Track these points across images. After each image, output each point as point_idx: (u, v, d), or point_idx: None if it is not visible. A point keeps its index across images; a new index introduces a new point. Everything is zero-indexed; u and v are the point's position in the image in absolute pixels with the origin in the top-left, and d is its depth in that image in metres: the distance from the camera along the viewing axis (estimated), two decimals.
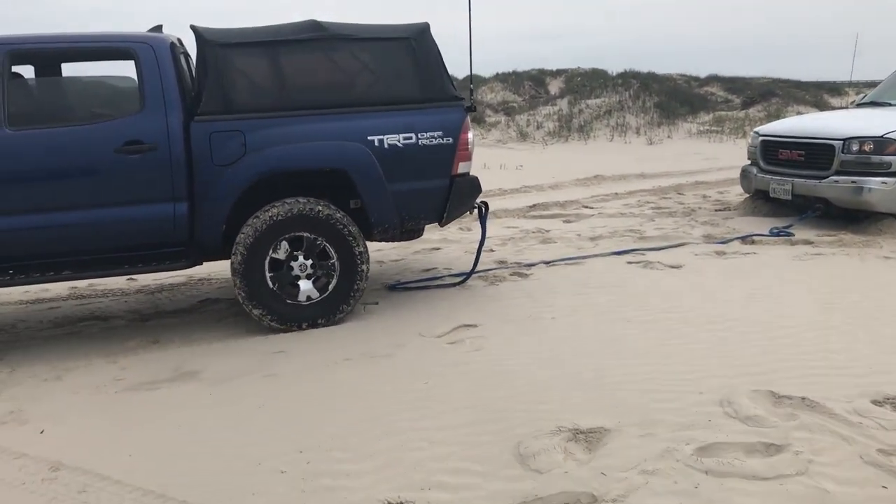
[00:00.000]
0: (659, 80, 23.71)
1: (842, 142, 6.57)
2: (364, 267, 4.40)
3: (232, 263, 4.28)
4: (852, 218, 6.60)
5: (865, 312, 4.17)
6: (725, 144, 15.99)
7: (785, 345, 3.66)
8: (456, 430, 2.90)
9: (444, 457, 2.69)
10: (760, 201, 7.55)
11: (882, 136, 6.37)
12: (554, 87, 33.77)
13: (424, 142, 4.48)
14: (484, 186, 10.34)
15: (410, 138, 4.45)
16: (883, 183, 6.29)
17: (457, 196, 4.63)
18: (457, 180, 4.61)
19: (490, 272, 5.47)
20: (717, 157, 13.72)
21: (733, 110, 21.08)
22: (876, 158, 6.35)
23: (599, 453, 2.63)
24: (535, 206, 8.47)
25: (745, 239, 6.26)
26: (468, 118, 4.64)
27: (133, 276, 5.94)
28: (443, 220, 4.67)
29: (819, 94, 21.67)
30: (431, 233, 7.15)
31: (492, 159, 14.54)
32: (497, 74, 35.84)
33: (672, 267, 5.43)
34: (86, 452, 2.96)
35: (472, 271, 5.30)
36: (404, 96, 4.53)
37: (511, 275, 5.38)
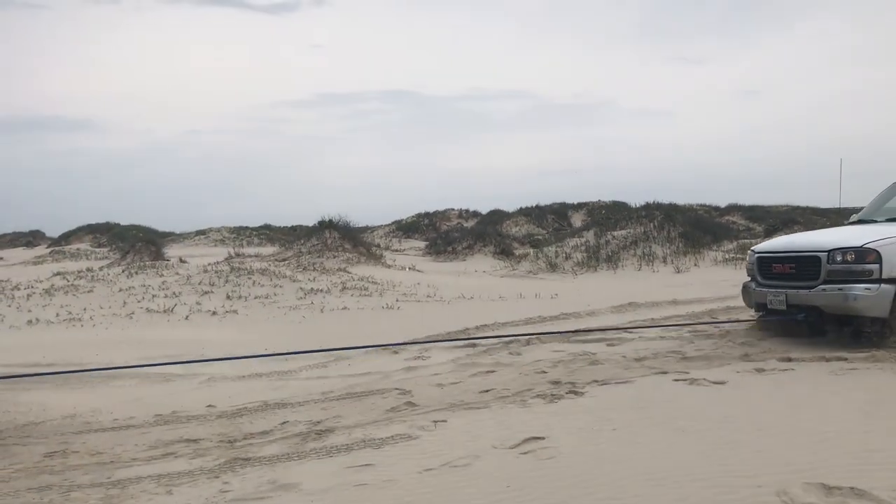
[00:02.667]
0: (681, 210, 24.57)
1: (827, 253, 7.15)
2: None
3: None
4: (882, 336, 6.98)
5: None
6: None
7: (829, 446, 4.04)
8: None
9: None
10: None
11: (861, 247, 6.99)
12: (576, 219, 34.90)
13: None
14: (523, 314, 10.96)
15: None
16: (867, 289, 6.82)
17: None
18: None
19: (548, 391, 5.90)
20: None
21: (756, 237, 21.73)
22: (858, 267, 6.92)
23: None
24: (576, 331, 8.94)
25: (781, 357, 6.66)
26: None
27: (213, 403, 6.42)
28: None
29: (839, 220, 22.32)
30: (484, 356, 7.62)
31: (526, 289, 15.14)
32: (520, 209, 37.15)
33: (716, 383, 5.83)
34: None
35: None
36: None
37: (567, 393, 5.80)
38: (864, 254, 6.93)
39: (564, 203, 37.50)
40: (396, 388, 6.52)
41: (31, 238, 50.60)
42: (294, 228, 38.93)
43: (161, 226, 47.50)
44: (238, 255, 21.28)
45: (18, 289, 15.08)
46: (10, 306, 13.24)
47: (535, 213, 35.46)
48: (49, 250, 37.82)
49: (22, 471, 4.82)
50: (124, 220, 45.66)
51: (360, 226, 28.19)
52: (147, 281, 15.20)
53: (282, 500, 3.99)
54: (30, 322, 11.95)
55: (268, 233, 40.78)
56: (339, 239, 21.33)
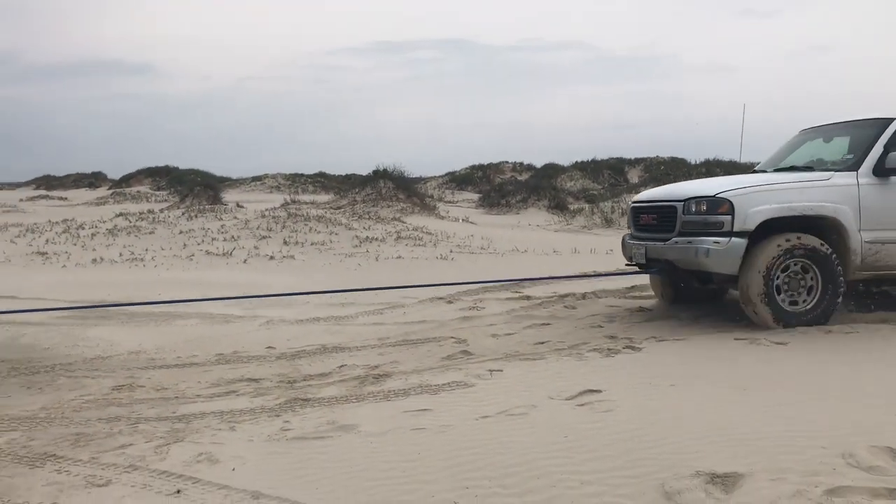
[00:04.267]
0: (741, 168, 23.91)
1: (682, 203, 6.59)
2: None
3: None
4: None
5: None
6: None
7: None
8: (602, 474, 3.29)
9: (598, 494, 3.09)
10: None
11: (714, 196, 6.37)
12: (633, 175, 34.32)
13: None
14: (577, 269, 10.87)
15: None
16: (716, 243, 6.23)
17: None
18: None
19: (604, 345, 5.88)
20: None
21: None
22: (711, 218, 6.32)
23: (736, 493, 3.00)
24: (633, 287, 8.86)
25: None
26: None
27: (272, 345, 6.56)
28: None
29: None
30: (539, 309, 7.62)
31: (581, 244, 15.03)
32: (576, 163, 36.64)
33: (778, 343, 5.73)
34: (279, 485, 3.45)
35: None
36: None
37: (624, 348, 5.77)
38: (716, 204, 6.30)
39: (621, 158, 36.82)
40: (452, 337, 6.57)
41: (93, 179, 51.97)
42: (348, 177, 39.09)
43: (217, 171, 48.19)
44: (294, 201, 21.51)
45: (83, 228, 15.53)
46: (75, 244, 13.66)
47: (590, 168, 34.93)
48: (111, 192, 38.77)
49: (92, 402, 5.01)
50: (182, 164, 46.42)
51: (414, 176, 28.20)
52: (206, 224, 15.49)
53: (342, 440, 4.07)
54: (94, 261, 12.31)
55: (322, 181, 41.02)
56: (393, 189, 21.39)
